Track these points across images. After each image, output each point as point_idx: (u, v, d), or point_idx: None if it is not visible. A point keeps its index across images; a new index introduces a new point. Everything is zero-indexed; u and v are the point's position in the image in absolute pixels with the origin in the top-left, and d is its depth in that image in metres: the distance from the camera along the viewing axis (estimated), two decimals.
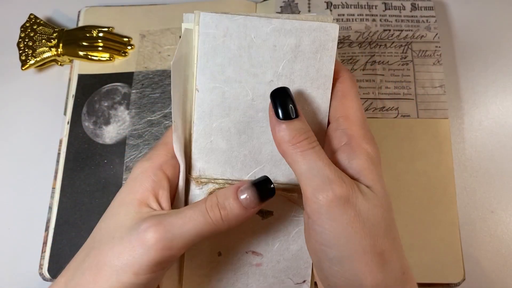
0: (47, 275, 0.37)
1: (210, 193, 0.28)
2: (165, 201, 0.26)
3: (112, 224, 0.26)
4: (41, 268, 0.37)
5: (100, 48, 0.43)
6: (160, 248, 0.24)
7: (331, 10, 0.42)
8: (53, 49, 0.44)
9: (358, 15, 0.42)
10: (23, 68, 0.44)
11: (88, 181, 0.39)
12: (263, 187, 0.25)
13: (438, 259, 0.35)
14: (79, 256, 0.26)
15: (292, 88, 0.27)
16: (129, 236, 0.24)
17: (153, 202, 0.26)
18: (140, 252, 0.24)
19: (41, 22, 0.45)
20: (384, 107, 0.39)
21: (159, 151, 0.28)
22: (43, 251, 0.38)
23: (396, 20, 0.42)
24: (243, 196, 0.24)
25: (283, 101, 0.25)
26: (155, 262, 0.24)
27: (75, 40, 0.44)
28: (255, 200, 0.24)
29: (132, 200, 0.26)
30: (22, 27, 0.45)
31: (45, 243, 0.38)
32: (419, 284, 0.35)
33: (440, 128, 0.38)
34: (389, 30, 0.41)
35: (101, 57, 0.43)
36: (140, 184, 0.26)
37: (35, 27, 0.45)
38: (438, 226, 0.36)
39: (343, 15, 0.42)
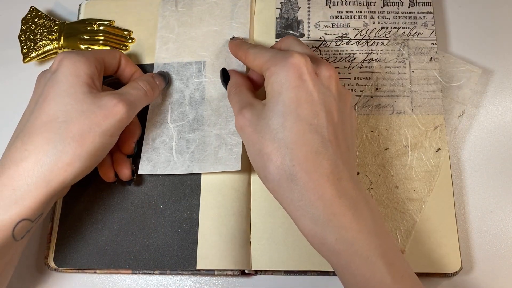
0: (52, 265, 0.38)
1: None
2: (99, 83, 0.36)
3: (72, 102, 0.33)
4: (47, 258, 0.38)
5: (101, 42, 0.44)
6: (127, 117, 0.34)
7: (330, 7, 0.43)
8: (54, 42, 0.44)
9: (356, 12, 0.42)
10: (25, 61, 0.44)
11: (91, 172, 0.40)
12: (167, 77, 0.41)
13: (435, 249, 0.36)
14: (42, 134, 0.32)
15: None
16: (101, 109, 0.33)
17: (95, 83, 0.35)
18: (114, 121, 0.34)
19: (42, 15, 0.45)
20: (380, 104, 0.40)
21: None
22: (48, 242, 0.39)
23: (393, 17, 0.42)
24: (159, 82, 0.40)
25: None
26: (122, 126, 0.35)
27: (76, 33, 0.44)
28: (163, 83, 0.40)
29: (81, 83, 0.34)
30: (23, 20, 0.45)
31: (50, 233, 0.39)
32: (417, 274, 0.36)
33: (436, 124, 0.39)
34: (387, 27, 0.42)
35: None
36: (81, 67, 0.34)
37: (36, 20, 0.45)
38: (435, 216, 0.37)
39: (342, 12, 0.42)
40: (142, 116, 0.40)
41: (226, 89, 0.39)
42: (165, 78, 0.41)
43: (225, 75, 0.39)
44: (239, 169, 0.37)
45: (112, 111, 0.33)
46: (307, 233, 0.30)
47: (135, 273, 0.38)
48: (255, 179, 0.39)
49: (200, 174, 0.39)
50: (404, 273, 0.29)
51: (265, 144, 0.31)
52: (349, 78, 0.41)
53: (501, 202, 0.39)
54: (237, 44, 0.38)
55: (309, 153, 0.30)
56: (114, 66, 0.39)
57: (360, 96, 0.40)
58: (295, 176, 0.30)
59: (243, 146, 0.38)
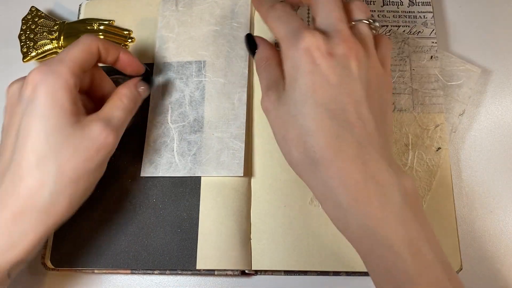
0: (49, 265, 0.38)
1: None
2: (80, 99, 0.33)
3: (62, 138, 0.30)
4: (44, 258, 0.38)
5: None
6: (115, 143, 0.33)
7: None
8: (54, 42, 0.44)
9: None
10: (25, 61, 0.44)
11: None
12: (149, 79, 0.38)
13: None
14: (35, 177, 0.30)
15: None
16: (93, 143, 0.31)
17: (78, 106, 0.32)
18: (106, 152, 0.32)
19: (42, 14, 0.45)
20: None
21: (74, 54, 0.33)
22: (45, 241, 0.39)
23: (393, 16, 0.42)
24: (142, 92, 0.37)
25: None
26: (111, 153, 0.33)
27: (76, 33, 0.44)
28: (147, 89, 0.38)
29: (67, 114, 0.31)
30: (23, 19, 0.45)
31: None
32: None
33: (436, 123, 0.39)
34: (387, 26, 0.42)
35: None
36: (62, 95, 0.31)
37: (36, 19, 0.45)
38: (435, 216, 0.37)
39: None
40: (143, 118, 0.41)
41: (252, 57, 0.37)
42: (150, 83, 0.39)
43: (250, 42, 0.37)
44: (242, 174, 0.38)
45: (104, 144, 0.32)
46: (331, 217, 0.30)
47: (134, 273, 0.38)
48: (255, 179, 0.39)
49: None
50: (431, 263, 0.28)
51: (288, 131, 0.30)
52: None
53: (501, 202, 0.39)
54: (259, 1, 0.35)
55: (329, 138, 0.29)
56: (93, 62, 0.35)
57: None
58: (317, 162, 0.29)
59: (245, 151, 0.38)
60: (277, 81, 0.33)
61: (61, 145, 0.30)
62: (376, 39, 0.34)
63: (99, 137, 0.31)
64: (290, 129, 0.30)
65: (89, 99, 0.37)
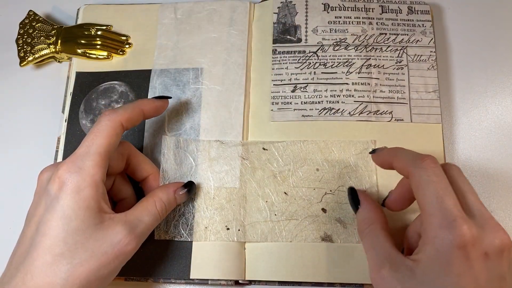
0: None
1: None
2: (108, 202, 0.32)
3: (83, 240, 0.30)
4: None
5: (98, 46, 0.44)
6: (134, 250, 0.32)
7: (328, 12, 0.43)
8: (52, 46, 0.44)
9: (355, 17, 0.42)
10: (22, 65, 0.44)
11: None
12: (191, 188, 0.36)
13: None
14: (45, 280, 0.29)
15: None
16: (113, 248, 0.30)
17: (103, 206, 0.31)
18: (123, 259, 0.31)
19: (40, 19, 0.45)
20: (378, 110, 0.39)
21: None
22: None
23: (392, 24, 0.42)
24: (179, 198, 0.36)
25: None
26: (128, 259, 0.32)
27: (74, 37, 0.44)
28: (186, 196, 0.36)
29: (92, 215, 0.30)
30: (21, 23, 0.45)
31: None
32: None
33: (433, 133, 0.39)
34: (385, 33, 0.42)
35: (99, 55, 0.44)
36: (89, 194, 0.30)
37: (34, 23, 0.45)
38: None
39: (340, 17, 0.42)
40: (140, 126, 0.40)
41: (354, 211, 0.35)
42: (190, 192, 0.36)
43: (354, 197, 0.35)
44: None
45: (123, 251, 0.30)
46: None
47: (128, 280, 0.37)
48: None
49: None
50: None
51: None
52: (347, 84, 0.40)
53: (501, 202, 0.39)
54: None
55: None
56: (118, 141, 0.33)
57: (358, 102, 0.40)
58: None
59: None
60: (390, 256, 0.29)
61: (79, 246, 0.29)
62: None
63: (119, 243, 0.30)
64: None
65: (124, 179, 0.37)
